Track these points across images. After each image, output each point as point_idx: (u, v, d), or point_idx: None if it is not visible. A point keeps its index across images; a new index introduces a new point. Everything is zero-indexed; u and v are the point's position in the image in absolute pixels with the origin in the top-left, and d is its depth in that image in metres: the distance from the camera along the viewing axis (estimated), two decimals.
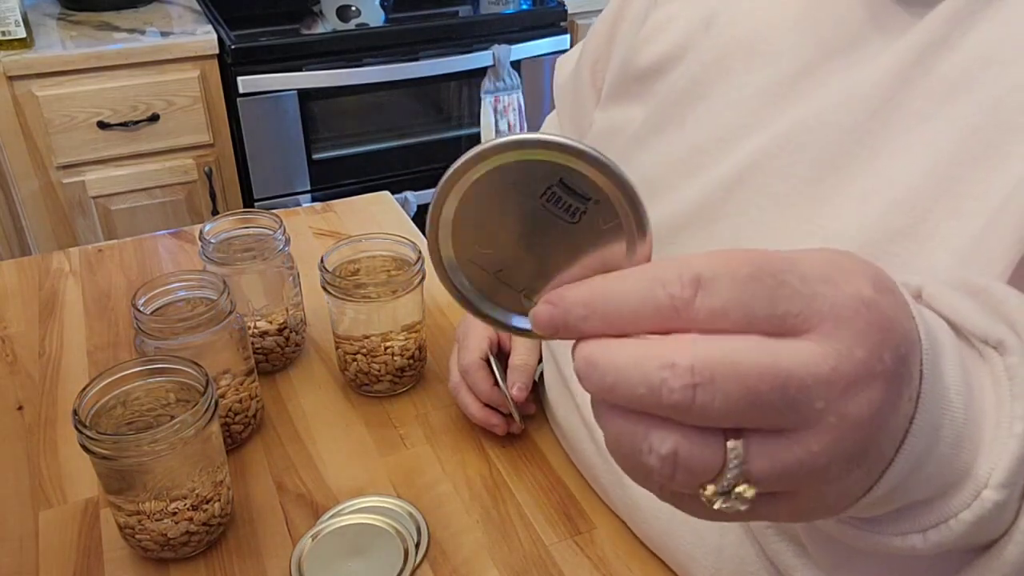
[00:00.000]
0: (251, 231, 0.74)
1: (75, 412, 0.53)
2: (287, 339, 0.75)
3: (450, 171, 0.27)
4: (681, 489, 0.25)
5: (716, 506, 0.24)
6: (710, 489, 0.24)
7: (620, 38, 0.65)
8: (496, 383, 0.65)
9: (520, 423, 0.66)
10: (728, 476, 0.24)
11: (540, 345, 0.69)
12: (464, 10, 1.99)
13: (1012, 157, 0.37)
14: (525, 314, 0.28)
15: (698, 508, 0.25)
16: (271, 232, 0.73)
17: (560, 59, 0.78)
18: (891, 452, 0.26)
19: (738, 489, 0.24)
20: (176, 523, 0.55)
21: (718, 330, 0.23)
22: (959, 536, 0.28)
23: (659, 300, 0.23)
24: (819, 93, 0.47)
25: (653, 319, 0.24)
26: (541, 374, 0.69)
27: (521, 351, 0.67)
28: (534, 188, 0.26)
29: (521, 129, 1.91)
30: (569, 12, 1.91)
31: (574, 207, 0.26)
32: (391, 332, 0.70)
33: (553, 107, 0.83)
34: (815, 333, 0.23)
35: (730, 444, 0.23)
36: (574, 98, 0.73)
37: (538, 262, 0.28)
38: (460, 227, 0.28)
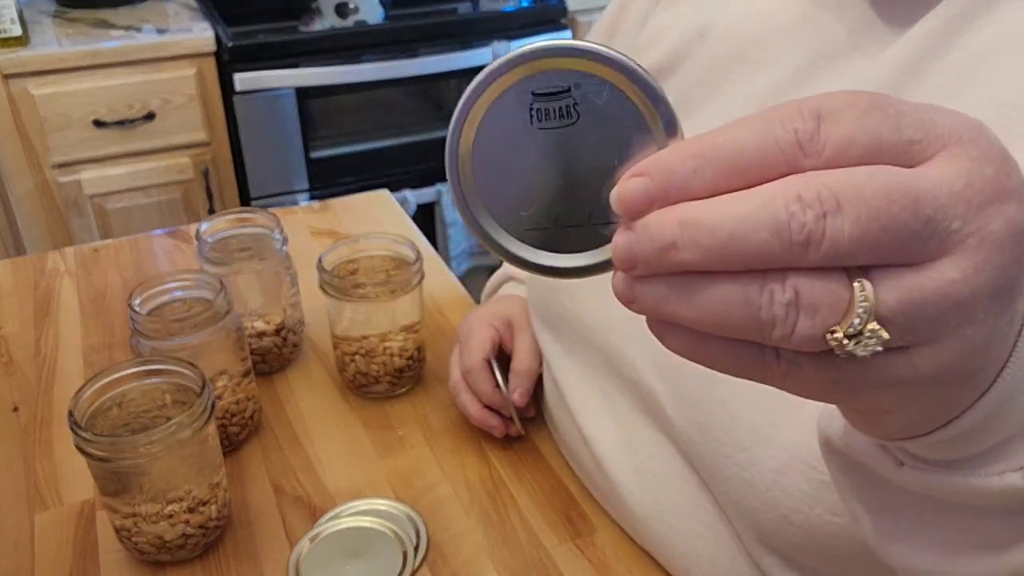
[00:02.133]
0: (248, 230, 0.74)
1: (71, 413, 0.52)
2: (284, 340, 0.74)
3: (447, 157, 0.26)
4: (806, 342, 0.22)
5: (848, 349, 0.21)
6: (839, 333, 0.21)
7: (619, 40, 0.64)
8: (497, 385, 0.64)
9: (520, 427, 0.66)
10: (859, 311, 0.21)
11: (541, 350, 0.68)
12: (463, 7, 1.99)
13: None
14: (606, 242, 0.25)
15: (816, 370, 0.23)
16: (268, 231, 0.72)
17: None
18: None
19: (871, 326, 0.21)
20: (173, 525, 0.55)
21: (844, 164, 0.21)
22: None
23: (780, 137, 0.21)
24: None
25: (776, 160, 0.21)
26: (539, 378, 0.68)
27: (523, 356, 0.66)
28: (521, 118, 0.25)
29: None
30: (569, 9, 1.90)
31: (562, 106, 0.25)
32: (390, 333, 0.69)
33: None
34: (941, 155, 0.22)
35: (859, 281, 0.21)
36: None
37: (587, 186, 0.25)
38: (493, 198, 0.26)
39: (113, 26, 1.67)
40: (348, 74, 1.71)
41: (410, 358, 0.71)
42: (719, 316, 0.22)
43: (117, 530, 0.56)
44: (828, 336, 0.21)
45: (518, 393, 0.65)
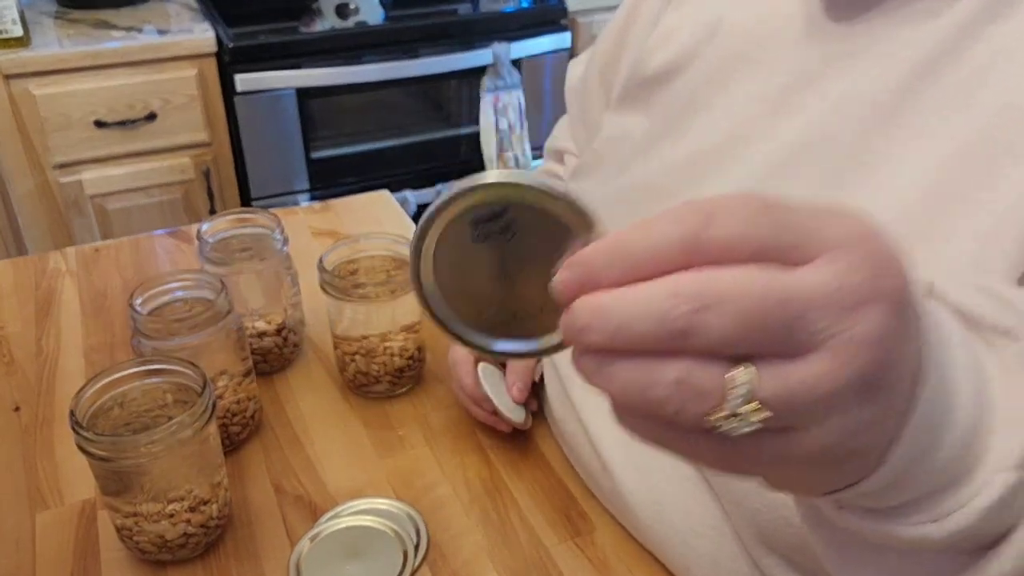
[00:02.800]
0: (249, 231, 0.74)
1: (72, 413, 0.53)
2: (285, 339, 0.74)
3: (411, 270, 0.30)
4: (693, 420, 0.24)
5: (723, 428, 0.24)
6: (720, 413, 0.24)
7: (631, 41, 0.65)
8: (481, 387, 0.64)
9: (518, 420, 0.66)
10: (735, 395, 0.24)
11: None
12: (464, 8, 1.99)
13: (1007, 175, 0.38)
14: (550, 331, 0.30)
15: (710, 447, 0.25)
16: (269, 232, 0.73)
17: (572, 62, 0.79)
18: (903, 399, 0.26)
19: (746, 407, 0.24)
20: (174, 525, 0.55)
21: (731, 262, 0.23)
22: (973, 524, 0.28)
23: (674, 235, 0.24)
24: (819, 104, 0.47)
25: (670, 257, 0.24)
26: (542, 375, 0.68)
27: None
28: (468, 240, 0.29)
29: (521, 128, 1.90)
30: (570, 10, 1.90)
31: (500, 225, 0.29)
32: (390, 332, 0.69)
33: (554, 106, 0.83)
34: (823, 258, 0.24)
35: (738, 368, 0.24)
36: (584, 101, 0.73)
37: (533, 284, 0.29)
38: (456, 308, 0.31)
39: (114, 27, 1.67)
40: (349, 75, 1.71)
41: (410, 358, 0.71)
42: (624, 392, 0.25)
43: (118, 529, 0.57)
44: (709, 416, 0.24)
45: (516, 388, 0.65)
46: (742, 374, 0.24)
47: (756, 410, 0.24)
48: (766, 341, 0.23)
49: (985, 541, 0.30)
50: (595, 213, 0.28)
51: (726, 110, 0.52)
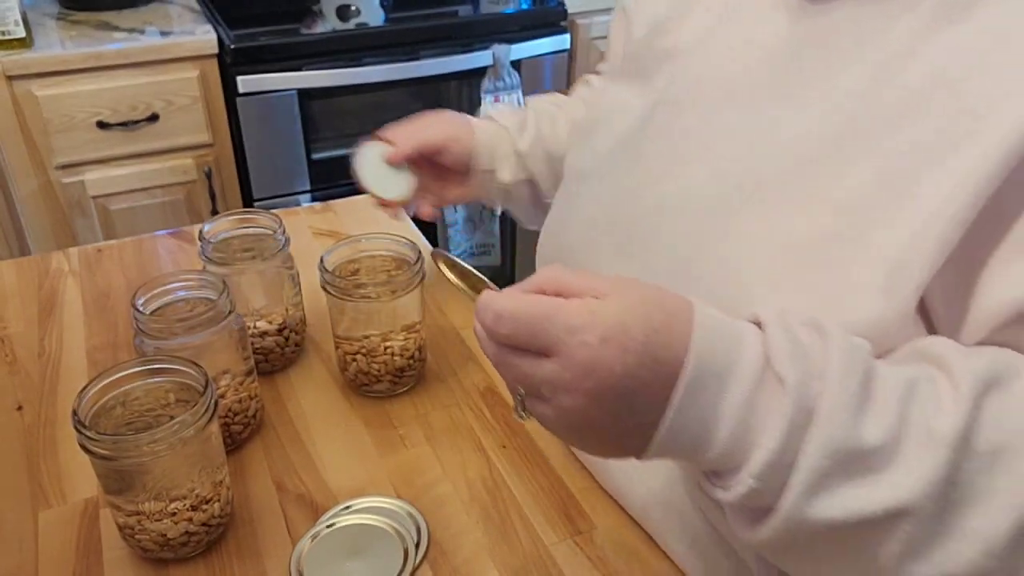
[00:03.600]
0: (251, 231, 0.74)
1: (75, 412, 0.53)
2: (287, 339, 0.75)
3: None
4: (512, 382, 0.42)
5: (517, 404, 0.42)
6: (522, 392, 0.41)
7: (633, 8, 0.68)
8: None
9: (393, 197, 0.66)
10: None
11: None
12: (464, 9, 1.99)
13: (934, 179, 0.41)
14: None
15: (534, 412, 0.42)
16: (271, 232, 0.73)
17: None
18: (633, 424, 0.39)
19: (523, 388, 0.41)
20: (176, 523, 0.55)
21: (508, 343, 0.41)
22: (739, 501, 0.39)
23: (481, 325, 0.41)
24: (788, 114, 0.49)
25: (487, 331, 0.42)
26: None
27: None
28: None
29: None
30: (569, 12, 1.91)
31: None
32: (391, 332, 0.70)
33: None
34: (556, 357, 0.39)
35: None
36: (611, 45, 0.74)
37: None
38: None
39: (116, 28, 1.67)
40: (350, 76, 1.71)
41: (411, 358, 0.72)
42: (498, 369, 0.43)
43: (120, 528, 0.57)
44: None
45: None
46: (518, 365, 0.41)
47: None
48: (523, 383, 0.41)
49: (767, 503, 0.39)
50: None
51: (724, 96, 0.54)
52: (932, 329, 0.44)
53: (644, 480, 0.58)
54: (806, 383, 0.37)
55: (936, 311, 0.43)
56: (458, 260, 0.52)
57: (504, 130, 0.80)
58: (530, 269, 0.49)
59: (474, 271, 0.50)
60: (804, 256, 0.44)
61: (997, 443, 0.37)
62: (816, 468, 0.37)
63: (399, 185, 0.61)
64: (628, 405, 0.38)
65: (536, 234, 0.70)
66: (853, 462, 0.37)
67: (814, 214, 0.44)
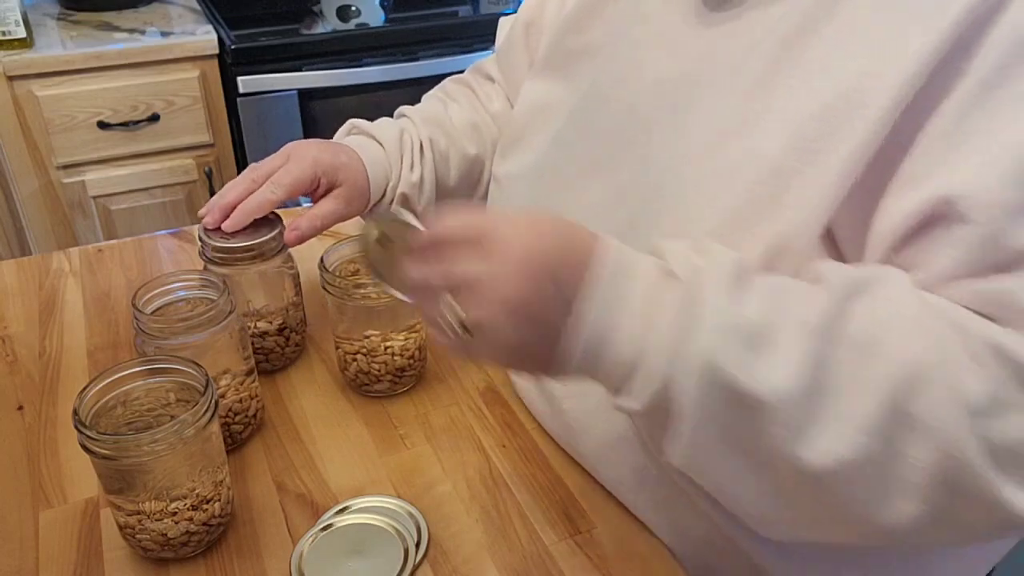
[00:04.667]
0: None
1: (75, 412, 0.53)
2: (287, 339, 0.75)
3: None
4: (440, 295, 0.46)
5: (452, 316, 0.46)
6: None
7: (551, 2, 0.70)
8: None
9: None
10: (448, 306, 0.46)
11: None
12: (464, 10, 1.99)
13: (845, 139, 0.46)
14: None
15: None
16: (272, 232, 0.73)
17: (501, 21, 0.80)
18: (548, 335, 0.45)
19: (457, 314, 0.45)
20: (176, 523, 0.56)
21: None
22: (641, 412, 0.44)
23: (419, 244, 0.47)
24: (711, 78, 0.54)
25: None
26: None
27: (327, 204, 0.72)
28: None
29: None
30: None
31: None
32: (391, 332, 0.70)
33: None
34: (488, 242, 0.44)
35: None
36: (509, 58, 0.77)
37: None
38: None
39: (117, 28, 1.68)
40: (350, 76, 1.71)
41: (411, 357, 0.72)
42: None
43: (121, 527, 0.57)
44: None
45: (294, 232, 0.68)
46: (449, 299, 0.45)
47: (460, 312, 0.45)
48: (461, 279, 0.45)
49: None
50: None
51: (641, 85, 0.58)
52: (840, 256, 0.48)
53: (596, 430, 0.60)
54: (695, 275, 0.43)
55: (841, 235, 0.48)
56: (393, 218, 0.52)
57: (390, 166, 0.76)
58: None
59: (405, 221, 0.50)
60: (730, 226, 0.49)
61: (865, 333, 0.42)
62: (709, 347, 0.41)
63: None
64: (552, 277, 0.43)
65: None
66: (739, 334, 0.42)
67: (736, 189, 0.49)
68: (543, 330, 0.44)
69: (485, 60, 0.86)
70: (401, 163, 0.76)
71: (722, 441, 0.43)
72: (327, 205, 0.71)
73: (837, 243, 0.48)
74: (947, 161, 0.43)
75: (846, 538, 0.46)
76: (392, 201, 0.75)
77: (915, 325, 0.42)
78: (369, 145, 0.76)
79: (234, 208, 0.67)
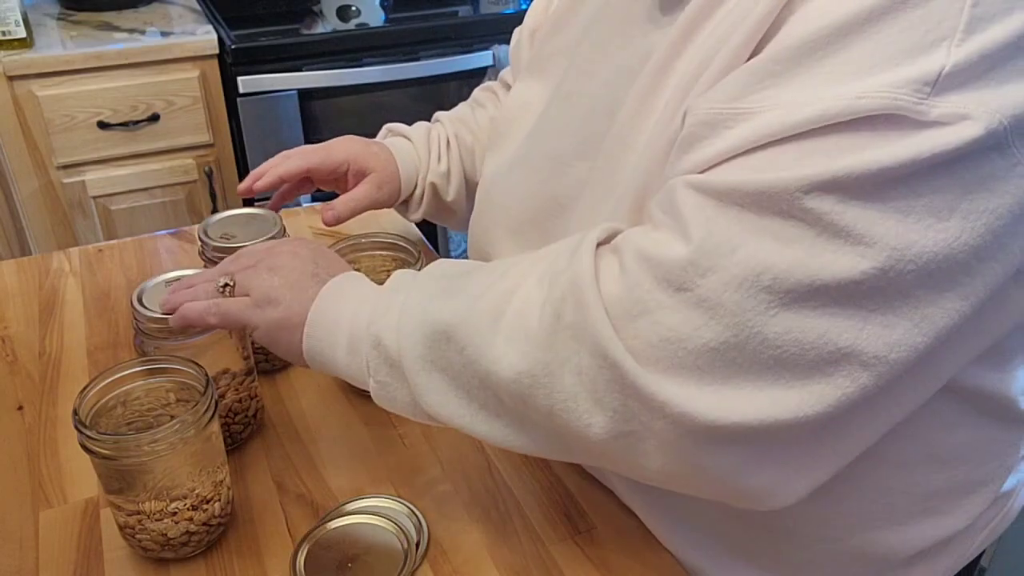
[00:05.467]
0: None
1: (75, 412, 0.53)
2: None
3: None
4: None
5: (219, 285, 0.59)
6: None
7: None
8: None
9: None
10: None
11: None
12: (464, 10, 1.99)
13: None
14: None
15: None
16: (271, 232, 0.73)
17: (516, 30, 0.82)
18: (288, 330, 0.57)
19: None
20: (176, 523, 0.56)
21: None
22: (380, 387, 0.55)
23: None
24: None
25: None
26: None
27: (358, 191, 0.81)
28: None
29: None
30: None
31: None
32: None
33: None
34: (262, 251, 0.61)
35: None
36: (516, 64, 0.80)
37: None
38: None
39: (117, 28, 1.68)
40: (350, 76, 1.71)
41: None
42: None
43: (121, 527, 0.57)
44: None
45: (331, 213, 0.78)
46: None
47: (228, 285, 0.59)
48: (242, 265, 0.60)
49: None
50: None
51: (601, 78, 0.59)
52: None
53: None
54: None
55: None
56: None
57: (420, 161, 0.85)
58: None
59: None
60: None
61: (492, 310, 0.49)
62: (405, 305, 0.53)
63: None
64: (313, 258, 0.58)
65: None
66: (440, 282, 0.53)
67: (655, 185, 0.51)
68: (301, 287, 0.56)
69: (507, 69, 0.89)
70: (429, 156, 0.84)
71: (438, 372, 0.51)
72: (360, 189, 0.79)
73: None
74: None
75: (599, 461, 0.49)
76: (423, 192, 0.84)
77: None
78: (399, 141, 0.86)
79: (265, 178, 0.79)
